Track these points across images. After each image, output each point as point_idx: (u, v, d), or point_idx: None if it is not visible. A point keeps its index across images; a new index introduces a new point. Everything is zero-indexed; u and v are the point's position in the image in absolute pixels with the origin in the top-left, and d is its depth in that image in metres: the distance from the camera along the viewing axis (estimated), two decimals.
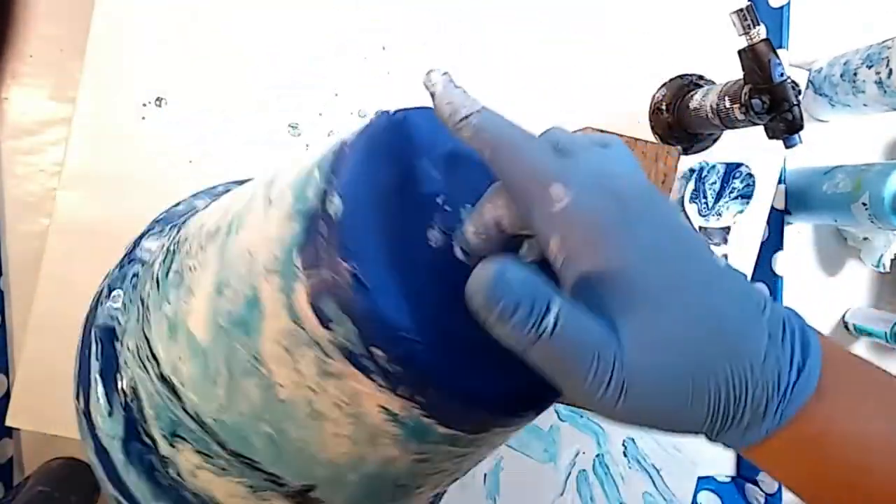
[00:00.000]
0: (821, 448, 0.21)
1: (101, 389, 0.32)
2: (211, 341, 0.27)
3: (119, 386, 0.31)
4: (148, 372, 0.30)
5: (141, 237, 0.39)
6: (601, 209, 0.21)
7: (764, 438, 0.21)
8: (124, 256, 0.38)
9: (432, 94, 0.24)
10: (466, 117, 0.23)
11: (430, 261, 0.27)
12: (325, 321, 0.24)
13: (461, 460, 0.29)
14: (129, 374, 0.31)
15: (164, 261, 0.32)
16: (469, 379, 0.25)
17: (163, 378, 0.29)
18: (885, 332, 0.63)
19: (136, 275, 0.35)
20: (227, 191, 0.42)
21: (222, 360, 0.27)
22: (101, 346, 0.33)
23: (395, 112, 0.27)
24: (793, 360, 0.20)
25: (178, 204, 0.43)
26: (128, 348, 0.31)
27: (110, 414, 0.31)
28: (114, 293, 0.35)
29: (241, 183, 0.43)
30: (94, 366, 0.33)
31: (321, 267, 0.24)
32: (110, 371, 0.32)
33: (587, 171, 0.22)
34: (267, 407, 0.26)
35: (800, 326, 0.21)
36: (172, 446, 0.29)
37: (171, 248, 0.32)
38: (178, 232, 0.34)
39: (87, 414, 0.33)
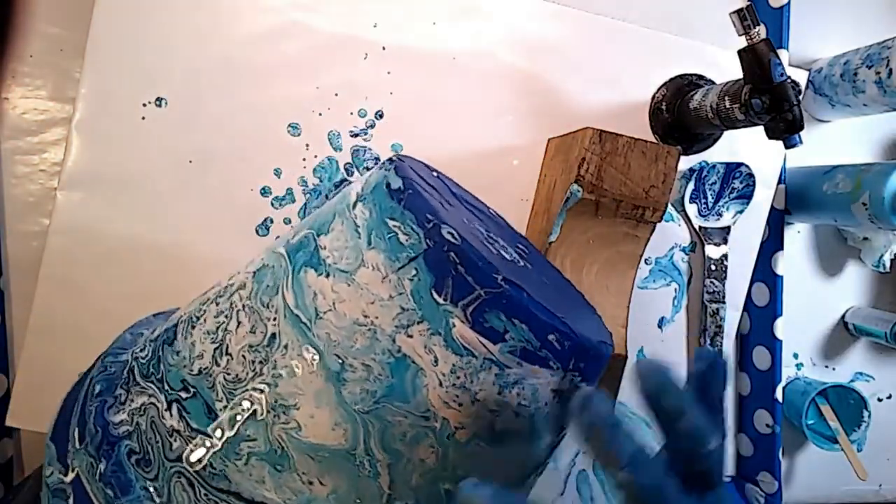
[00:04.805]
0: None
1: None
2: (352, 435, 0.25)
3: None
4: None
5: (92, 417, 0.31)
6: None
7: None
8: (99, 445, 0.29)
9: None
10: None
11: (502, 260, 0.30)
12: (497, 335, 0.25)
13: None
14: None
15: (188, 416, 0.27)
16: (595, 338, 0.29)
17: None
18: (885, 332, 0.63)
19: (140, 458, 0.28)
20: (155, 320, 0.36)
21: (377, 446, 0.25)
22: None
23: (393, 158, 0.31)
24: None
25: (103, 368, 0.35)
26: None
27: None
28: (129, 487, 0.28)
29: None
30: None
31: (473, 290, 0.25)
32: None
33: None
34: (447, 461, 0.26)
35: None
36: None
37: (191, 397, 0.28)
38: (177, 379, 0.29)
39: None
